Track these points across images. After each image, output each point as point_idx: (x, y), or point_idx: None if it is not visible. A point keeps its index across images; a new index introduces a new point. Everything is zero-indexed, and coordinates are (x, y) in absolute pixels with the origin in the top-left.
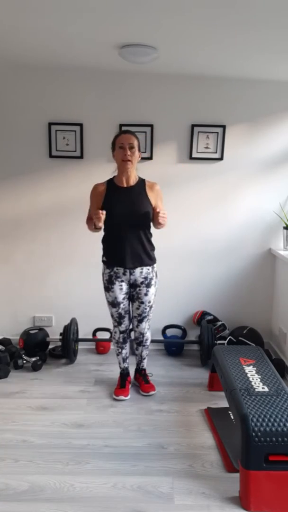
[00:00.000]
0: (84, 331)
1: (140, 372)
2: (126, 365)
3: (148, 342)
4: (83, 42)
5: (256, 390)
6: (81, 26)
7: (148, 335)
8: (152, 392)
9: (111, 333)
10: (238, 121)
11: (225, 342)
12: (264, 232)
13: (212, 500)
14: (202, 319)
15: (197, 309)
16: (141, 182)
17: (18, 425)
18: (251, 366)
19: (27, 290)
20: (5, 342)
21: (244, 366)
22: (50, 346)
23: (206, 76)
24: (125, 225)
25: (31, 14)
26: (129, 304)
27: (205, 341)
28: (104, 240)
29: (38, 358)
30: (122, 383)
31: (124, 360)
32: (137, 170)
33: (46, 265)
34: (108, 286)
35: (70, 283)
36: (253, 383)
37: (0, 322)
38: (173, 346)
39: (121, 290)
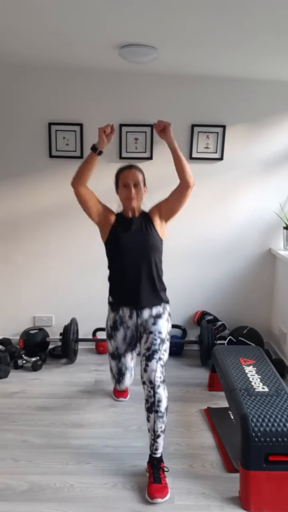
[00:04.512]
0: (84, 331)
1: (153, 463)
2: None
3: (163, 407)
4: (83, 42)
5: (256, 390)
6: (81, 26)
7: (162, 394)
8: (160, 500)
9: None
10: (238, 121)
11: (225, 342)
12: (264, 232)
13: (212, 500)
14: (202, 319)
15: (197, 309)
16: (144, 214)
17: (18, 425)
18: (251, 366)
19: (27, 290)
20: (5, 342)
21: (244, 366)
22: (50, 346)
23: (206, 76)
24: (133, 258)
25: (31, 14)
26: (131, 360)
27: (205, 341)
28: (110, 278)
29: (38, 358)
30: None
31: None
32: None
33: (46, 265)
34: (111, 333)
35: (70, 283)
36: (253, 383)
37: (0, 322)
38: (173, 346)
39: (124, 340)
